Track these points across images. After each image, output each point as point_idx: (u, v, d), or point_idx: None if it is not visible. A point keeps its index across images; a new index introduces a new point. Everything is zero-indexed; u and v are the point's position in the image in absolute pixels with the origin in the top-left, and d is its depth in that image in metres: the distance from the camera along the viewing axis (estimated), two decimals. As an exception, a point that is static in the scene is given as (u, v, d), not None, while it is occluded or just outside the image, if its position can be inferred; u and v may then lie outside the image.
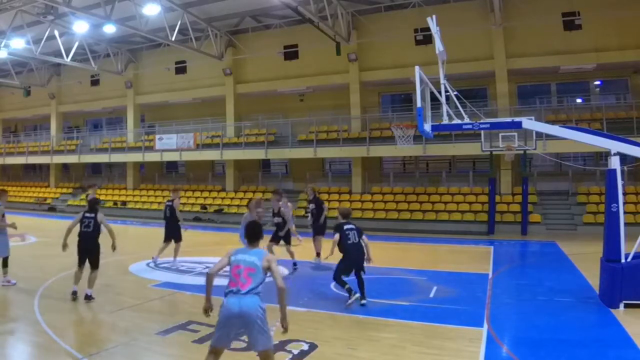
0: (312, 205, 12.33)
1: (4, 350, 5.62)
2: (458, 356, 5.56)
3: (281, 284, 4.25)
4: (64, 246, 7.83)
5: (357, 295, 7.65)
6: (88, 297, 7.79)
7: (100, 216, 7.99)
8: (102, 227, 8.01)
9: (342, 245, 7.75)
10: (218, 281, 9.45)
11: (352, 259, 7.79)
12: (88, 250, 7.92)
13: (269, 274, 4.36)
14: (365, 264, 7.87)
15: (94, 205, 8.17)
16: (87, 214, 8.02)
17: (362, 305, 7.57)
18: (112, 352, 5.61)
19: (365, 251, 7.81)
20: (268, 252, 4.56)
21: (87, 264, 7.95)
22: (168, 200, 11.55)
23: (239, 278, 4.21)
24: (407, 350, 5.72)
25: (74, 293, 7.85)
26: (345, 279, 7.79)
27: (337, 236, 7.75)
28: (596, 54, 18.09)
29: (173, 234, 11.22)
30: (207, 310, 4.46)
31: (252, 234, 4.54)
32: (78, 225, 7.98)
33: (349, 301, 7.57)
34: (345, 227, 7.91)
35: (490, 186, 17.52)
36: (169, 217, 11.22)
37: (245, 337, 4.36)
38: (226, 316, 4.15)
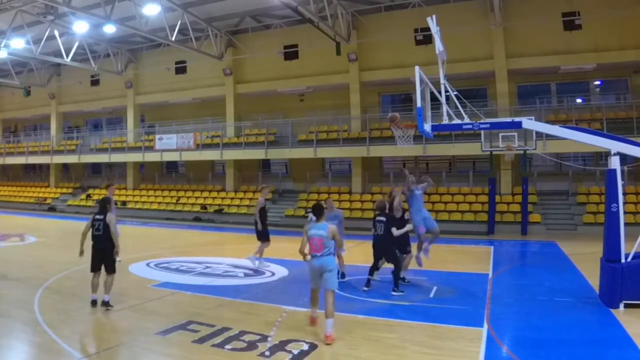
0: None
1: (3, 350, 5.62)
2: (458, 356, 5.56)
3: (339, 245, 6.91)
4: (81, 252, 7.55)
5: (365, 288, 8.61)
6: (106, 304, 7.35)
7: (109, 217, 7.49)
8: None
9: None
10: (220, 282, 9.41)
11: (374, 248, 8.78)
12: (101, 253, 7.46)
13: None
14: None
15: (104, 205, 7.65)
16: (97, 216, 7.51)
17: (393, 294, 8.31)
18: (112, 352, 5.62)
19: (389, 243, 8.58)
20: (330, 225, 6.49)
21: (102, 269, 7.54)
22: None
23: (315, 247, 6.34)
24: (407, 350, 5.72)
25: (94, 302, 7.44)
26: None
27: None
28: (596, 54, 18.09)
29: (258, 232, 10.89)
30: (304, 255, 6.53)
31: (317, 213, 6.49)
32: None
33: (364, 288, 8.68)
34: (377, 219, 8.72)
35: (490, 186, 17.52)
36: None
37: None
38: (310, 270, 6.46)
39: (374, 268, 8.94)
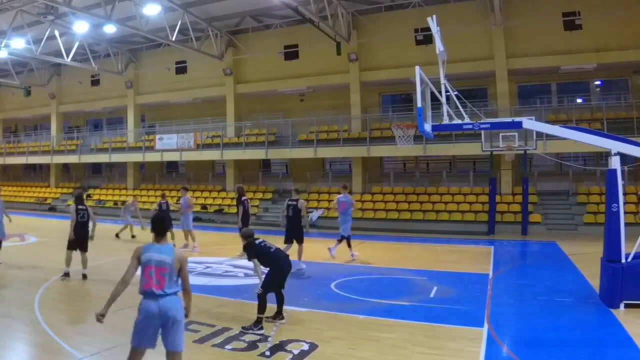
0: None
1: (4, 350, 5.62)
2: (458, 356, 5.56)
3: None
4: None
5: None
6: (85, 276, 9.28)
7: (90, 209, 9.55)
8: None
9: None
10: (220, 282, 9.41)
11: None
12: (83, 236, 9.38)
13: None
14: None
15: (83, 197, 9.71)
16: (80, 206, 9.36)
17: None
18: (112, 352, 5.61)
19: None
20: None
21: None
22: (291, 200, 11.06)
23: None
24: (407, 350, 5.71)
25: (67, 274, 9.28)
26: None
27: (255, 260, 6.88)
28: (596, 54, 18.07)
29: (297, 235, 10.79)
30: None
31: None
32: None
33: (251, 331, 6.36)
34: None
35: (490, 186, 17.51)
36: (292, 217, 10.79)
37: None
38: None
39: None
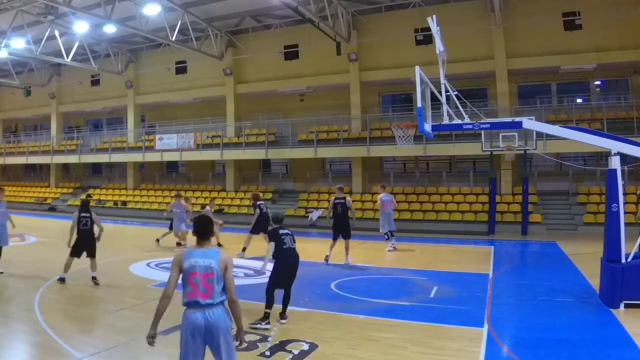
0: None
1: (4, 350, 5.62)
2: (458, 356, 5.56)
3: None
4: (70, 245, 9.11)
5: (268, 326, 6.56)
6: (95, 279, 9.10)
7: (94, 215, 9.37)
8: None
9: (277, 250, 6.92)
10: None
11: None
12: (90, 244, 9.21)
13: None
14: None
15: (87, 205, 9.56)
16: (83, 214, 9.23)
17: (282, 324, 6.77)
18: (112, 352, 5.61)
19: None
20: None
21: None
22: (338, 198, 11.32)
23: None
24: (407, 350, 5.71)
25: (63, 279, 9.05)
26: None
27: (272, 243, 6.95)
28: (596, 54, 18.07)
29: (345, 230, 11.25)
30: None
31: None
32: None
33: (259, 325, 6.53)
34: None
35: (490, 186, 17.51)
36: (341, 215, 11.20)
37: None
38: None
39: None
